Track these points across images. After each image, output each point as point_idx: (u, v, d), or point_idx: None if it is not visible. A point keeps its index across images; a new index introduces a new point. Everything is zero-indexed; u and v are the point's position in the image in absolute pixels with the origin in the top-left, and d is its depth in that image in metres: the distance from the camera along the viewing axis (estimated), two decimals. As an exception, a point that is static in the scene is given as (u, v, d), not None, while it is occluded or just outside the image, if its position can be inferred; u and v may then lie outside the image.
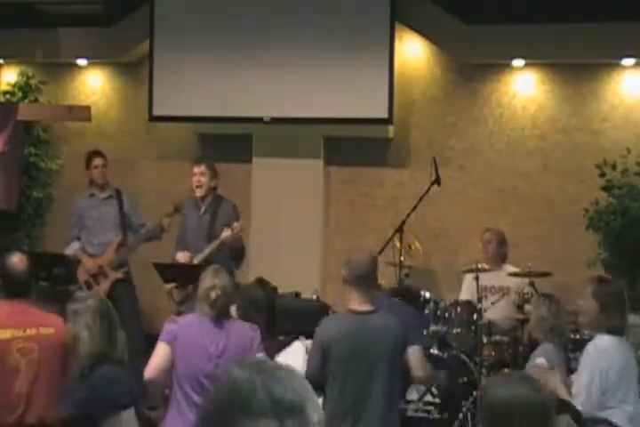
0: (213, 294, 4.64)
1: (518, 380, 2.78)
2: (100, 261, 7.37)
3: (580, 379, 4.67)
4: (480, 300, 6.68)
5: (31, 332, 4.59)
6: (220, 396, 1.67)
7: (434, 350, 6.30)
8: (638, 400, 4.70)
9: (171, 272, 6.86)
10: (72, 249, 7.51)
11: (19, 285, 4.74)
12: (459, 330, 6.63)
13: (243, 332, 4.71)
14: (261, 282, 6.26)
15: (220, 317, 4.67)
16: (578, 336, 6.19)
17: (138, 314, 7.53)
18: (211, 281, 4.69)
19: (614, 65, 7.62)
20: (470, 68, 7.96)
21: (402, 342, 4.56)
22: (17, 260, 4.81)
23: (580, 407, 4.49)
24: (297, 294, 7.11)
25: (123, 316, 7.30)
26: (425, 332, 6.31)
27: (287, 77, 7.94)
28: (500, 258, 7.26)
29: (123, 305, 7.16)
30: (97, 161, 7.60)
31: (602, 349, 4.69)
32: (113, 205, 7.53)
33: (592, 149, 7.66)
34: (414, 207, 7.26)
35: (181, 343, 4.58)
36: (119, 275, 7.35)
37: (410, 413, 6.01)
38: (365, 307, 4.54)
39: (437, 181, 7.25)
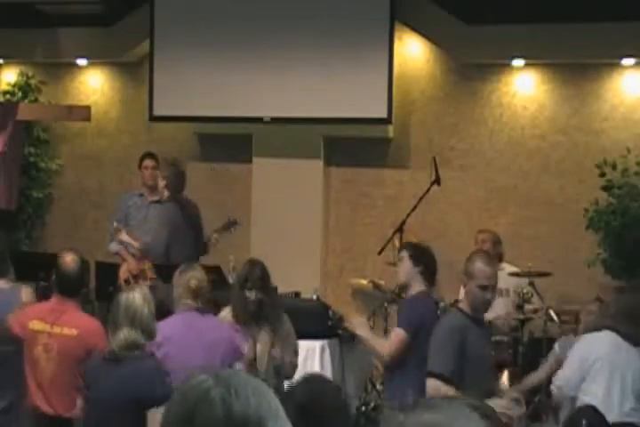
0: (193, 283, 4.65)
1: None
2: (142, 263, 7.36)
3: (567, 360, 4.93)
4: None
5: (56, 330, 4.72)
6: (173, 407, 1.62)
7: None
8: None
9: (169, 273, 6.84)
10: (116, 246, 7.50)
11: (67, 283, 4.90)
12: (459, 330, 6.61)
13: (219, 332, 4.67)
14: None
15: (200, 310, 4.68)
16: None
17: None
18: (188, 273, 4.77)
19: (614, 65, 7.62)
20: (470, 68, 7.96)
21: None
22: (69, 259, 4.94)
23: (559, 383, 4.86)
24: (297, 294, 7.10)
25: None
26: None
27: (287, 77, 7.93)
28: (496, 258, 7.24)
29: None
30: (147, 162, 7.56)
31: (593, 337, 4.87)
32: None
33: (592, 148, 7.66)
34: (414, 207, 7.25)
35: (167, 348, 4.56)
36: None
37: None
38: None
39: (437, 181, 7.23)
